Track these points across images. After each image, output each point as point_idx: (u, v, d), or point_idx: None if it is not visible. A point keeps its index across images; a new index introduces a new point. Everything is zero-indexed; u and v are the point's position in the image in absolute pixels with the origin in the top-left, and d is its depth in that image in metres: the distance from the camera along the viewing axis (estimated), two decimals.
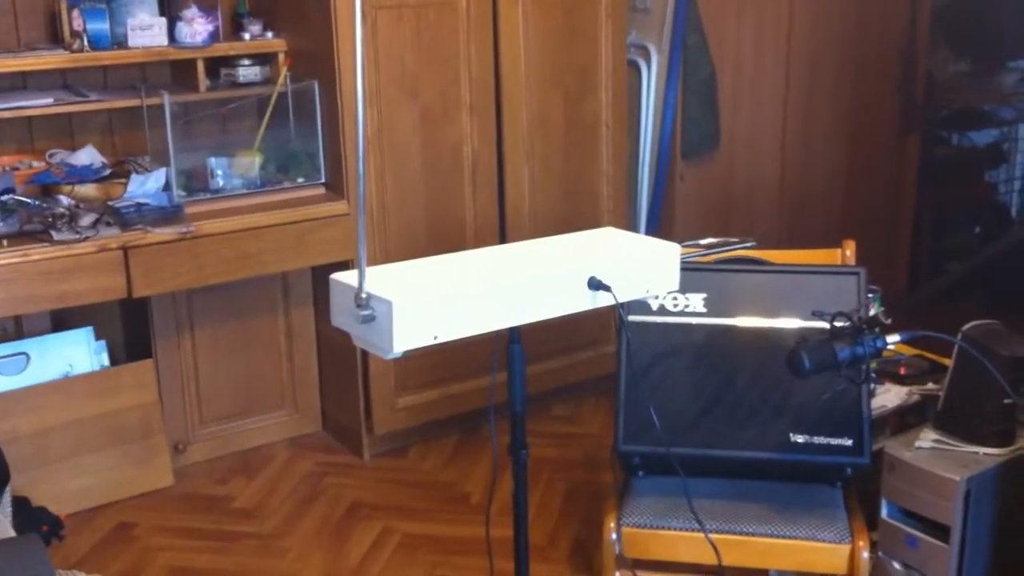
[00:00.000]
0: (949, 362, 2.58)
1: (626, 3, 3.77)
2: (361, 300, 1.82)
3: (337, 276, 1.91)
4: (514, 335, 2.04)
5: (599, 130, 3.78)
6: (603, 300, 2.01)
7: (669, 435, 2.31)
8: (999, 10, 4.44)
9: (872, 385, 2.63)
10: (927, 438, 2.50)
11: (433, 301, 1.83)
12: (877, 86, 4.54)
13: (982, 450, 2.44)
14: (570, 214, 3.74)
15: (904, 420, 2.78)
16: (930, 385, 2.82)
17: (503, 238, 3.64)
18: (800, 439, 2.39)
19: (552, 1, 3.57)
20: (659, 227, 4.14)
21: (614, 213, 3.86)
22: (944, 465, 2.40)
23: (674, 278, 2.13)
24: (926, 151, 4.71)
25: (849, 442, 2.38)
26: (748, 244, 2.62)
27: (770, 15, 4.19)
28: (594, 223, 3.77)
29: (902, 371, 2.88)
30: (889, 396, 2.79)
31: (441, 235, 3.52)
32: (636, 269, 2.07)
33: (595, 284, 1.99)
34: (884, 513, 2.51)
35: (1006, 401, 2.42)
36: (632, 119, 4.01)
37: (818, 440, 2.39)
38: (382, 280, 1.88)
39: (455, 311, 1.85)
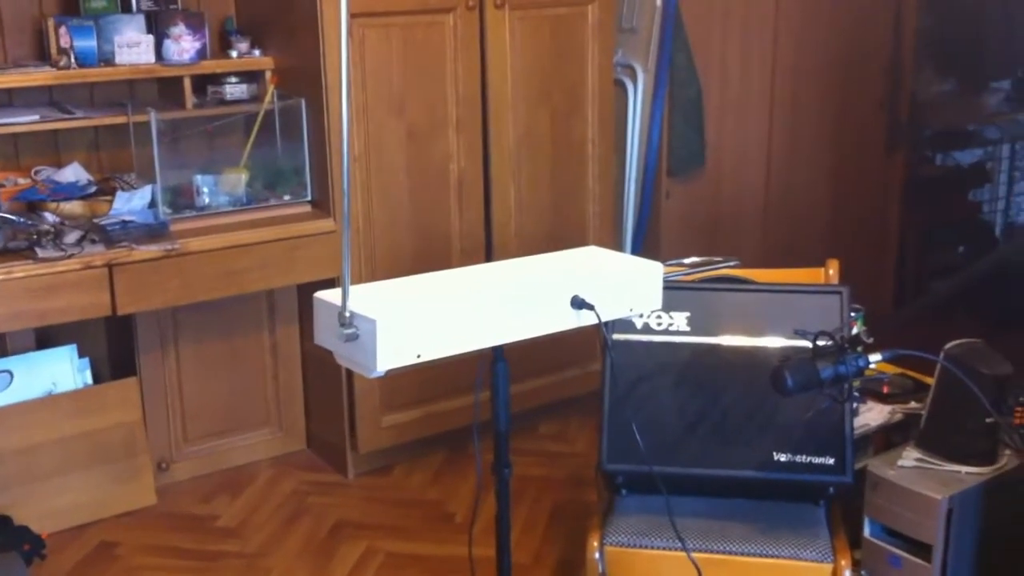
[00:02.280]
0: (932, 381, 2.59)
1: (613, 23, 3.79)
2: (344, 319, 1.82)
3: (321, 294, 1.92)
4: (498, 353, 2.05)
5: (586, 148, 3.80)
6: (587, 319, 2.02)
7: (653, 454, 2.31)
8: (983, 31, 4.48)
9: (855, 404, 2.63)
10: (910, 457, 2.51)
11: (417, 320, 1.84)
12: (862, 105, 4.57)
13: (964, 469, 2.45)
14: (556, 231, 3.75)
15: (888, 439, 2.79)
16: (913, 404, 2.83)
17: (489, 255, 3.65)
18: (783, 458, 2.40)
19: (540, 20, 3.58)
20: (645, 244, 4.15)
21: (600, 230, 3.87)
22: (927, 484, 2.41)
23: (657, 297, 2.15)
24: (911, 170, 4.74)
25: (831, 461, 2.39)
26: (731, 263, 2.63)
27: (755, 35, 4.22)
28: (580, 240, 3.78)
29: (885, 390, 2.89)
30: (872, 415, 2.80)
31: (427, 252, 3.53)
32: (619, 288, 2.09)
33: (578, 303, 2.00)
34: (867, 532, 2.51)
35: (988, 420, 2.43)
36: (619, 137, 4.02)
37: (801, 459, 2.39)
38: (366, 298, 1.88)
39: (439, 330, 1.86)
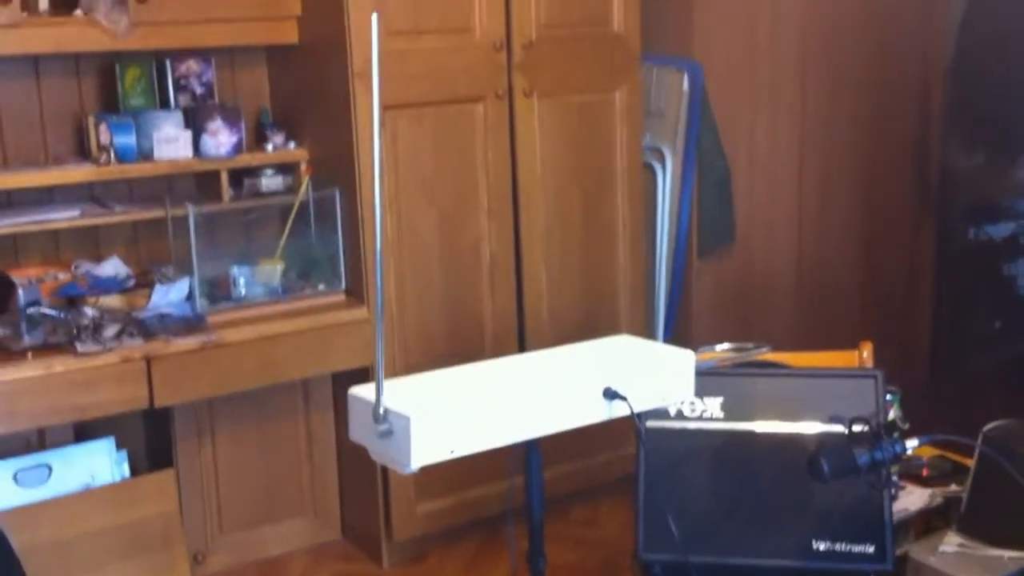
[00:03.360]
0: (971, 462, 2.56)
1: (640, 107, 3.84)
2: (379, 415, 1.84)
3: (355, 391, 1.94)
4: (531, 446, 2.06)
5: (616, 230, 3.82)
6: (619, 410, 2.02)
7: (690, 542, 2.30)
8: (1012, 103, 4.48)
9: (894, 489, 2.60)
10: (951, 542, 2.48)
11: (450, 416, 1.85)
12: (892, 180, 4.57)
13: (1007, 553, 2.41)
14: (588, 314, 3.76)
15: (929, 522, 2.75)
16: (953, 487, 2.79)
17: (522, 338, 3.66)
18: (822, 546, 2.37)
19: (568, 107, 3.64)
20: (677, 325, 4.15)
21: (632, 312, 3.88)
22: (969, 569, 2.37)
23: (690, 386, 2.15)
24: (943, 244, 4.73)
25: (871, 548, 2.36)
26: (763, 349, 2.63)
27: (783, 113, 4.25)
28: (612, 322, 3.79)
29: (924, 473, 2.86)
30: (912, 499, 2.76)
31: (460, 337, 3.55)
32: (652, 378, 2.09)
33: (611, 394, 2.01)
34: None
35: None
36: (648, 220, 4.05)
37: (840, 547, 2.36)
38: (400, 394, 1.90)
39: (472, 425, 1.87)
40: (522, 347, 3.63)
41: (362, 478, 3.56)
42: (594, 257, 3.78)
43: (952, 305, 4.79)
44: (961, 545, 2.47)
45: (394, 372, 3.16)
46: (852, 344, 2.78)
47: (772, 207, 4.30)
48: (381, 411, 1.84)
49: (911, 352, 4.67)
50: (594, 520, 3.82)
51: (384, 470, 3.45)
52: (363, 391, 1.92)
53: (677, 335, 4.08)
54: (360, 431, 1.92)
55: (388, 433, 1.84)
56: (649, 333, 4.01)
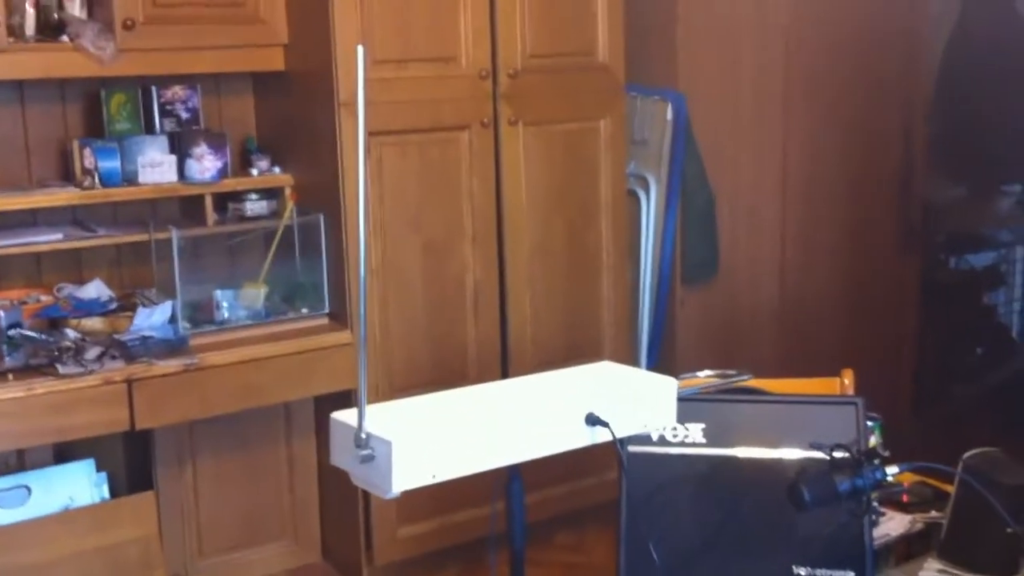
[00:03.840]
0: (952, 489, 2.57)
1: (625, 135, 3.87)
2: (361, 440, 1.84)
3: (337, 415, 1.93)
4: (513, 472, 2.06)
5: (600, 258, 3.84)
6: (601, 436, 2.02)
7: (671, 568, 2.29)
8: (992, 135, 4.54)
9: (874, 516, 2.61)
10: (931, 568, 2.48)
11: (432, 441, 1.85)
12: (875, 211, 4.61)
13: None
14: (572, 341, 3.77)
15: (909, 548, 2.75)
16: (934, 513, 2.80)
17: (505, 365, 3.67)
18: (803, 572, 2.37)
19: (553, 135, 3.66)
20: (661, 352, 4.17)
21: (616, 339, 3.89)
22: None
23: (671, 412, 2.16)
24: (926, 275, 4.77)
25: (852, 574, 2.36)
26: (745, 377, 2.64)
27: (767, 142, 4.29)
28: (596, 349, 3.80)
29: (905, 499, 2.87)
30: (892, 524, 2.76)
31: (444, 363, 3.55)
32: (634, 404, 2.10)
33: (593, 420, 2.01)
34: None
35: (1008, 531, 2.40)
36: (633, 247, 4.07)
37: (821, 573, 2.36)
38: (382, 419, 1.90)
39: (454, 451, 1.87)
40: (505, 373, 3.64)
41: (343, 502, 3.55)
42: (578, 284, 3.79)
43: (934, 333, 4.83)
44: (941, 571, 2.47)
45: (377, 397, 3.17)
46: (835, 373, 2.80)
47: (756, 236, 4.33)
48: (363, 436, 1.84)
49: (895, 380, 4.70)
50: (579, 546, 3.81)
51: (365, 493, 3.45)
52: (345, 416, 1.91)
53: (661, 362, 4.09)
54: (341, 456, 1.91)
55: (370, 458, 1.84)
56: (633, 360, 4.02)
